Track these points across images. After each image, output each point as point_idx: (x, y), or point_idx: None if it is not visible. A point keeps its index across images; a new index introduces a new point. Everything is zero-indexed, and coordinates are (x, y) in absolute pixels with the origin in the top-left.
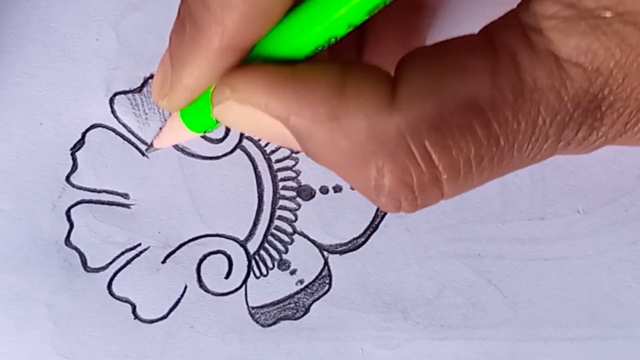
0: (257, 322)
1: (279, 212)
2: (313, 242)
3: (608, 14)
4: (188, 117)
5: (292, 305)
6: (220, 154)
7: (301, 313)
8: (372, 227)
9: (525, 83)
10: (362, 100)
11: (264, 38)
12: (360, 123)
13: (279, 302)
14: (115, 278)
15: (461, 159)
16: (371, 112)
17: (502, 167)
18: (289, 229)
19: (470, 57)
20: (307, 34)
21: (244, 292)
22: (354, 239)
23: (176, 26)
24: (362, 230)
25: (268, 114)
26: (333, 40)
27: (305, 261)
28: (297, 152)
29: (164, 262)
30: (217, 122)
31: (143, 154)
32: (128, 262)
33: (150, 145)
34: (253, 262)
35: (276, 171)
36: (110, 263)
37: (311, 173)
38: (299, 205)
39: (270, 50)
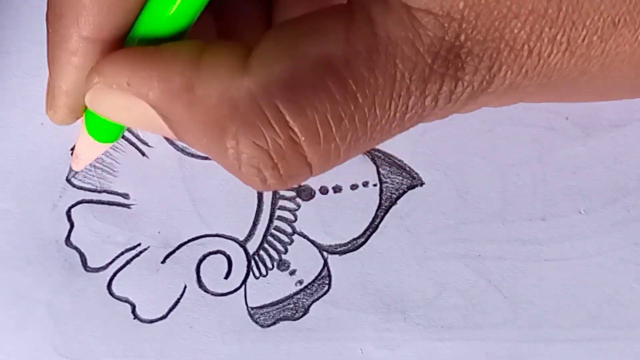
0: (257, 323)
1: (278, 213)
2: (313, 242)
3: None
4: (93, 127)
5: (292, 305)
6: None
7: (300, 313)
8: (372, 228)
9: (379, 37)
10: (215, 68)
11: (135, 26)
12: (213, 90)
13: (278, 302)
14: (115, 278)
15: (317, 118)
16: (223, 78)
17: (368, 129)
18: (289, 229)
19: (325, 19)
20: (166, 11)
21: (243, 292)
22: (354, 239)
23: (46, 24)
24: (361, 231)
25: (132, 94)
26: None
27: (304, 261)
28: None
29: (163, 262)
30: (122, 127)
31: (143, 154)
32: (128, 262)
33: (70, 169)
34: (252, 263)
35: None
36: (110, 263)
37: None
38: (299, 206)
39: (140, 35)
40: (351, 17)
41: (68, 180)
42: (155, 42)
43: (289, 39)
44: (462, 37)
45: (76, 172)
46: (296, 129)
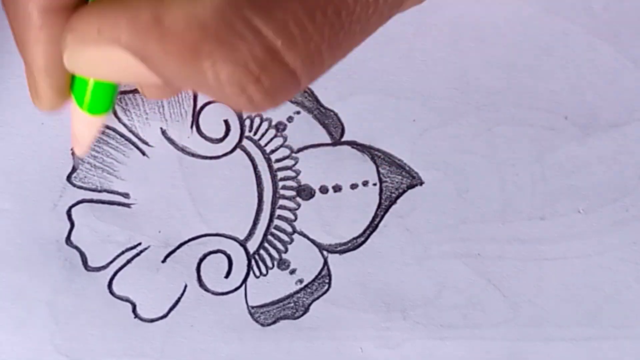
0: (257, 322)
1: (278, 212)
2: (313, 241)
3: None
4: (83, 101)
5: (292, 304)
6: (220, 154)
7: (301, 312)
8: (372, 227)
9: None
10: None
11: None
12: (180, 15)
13: (278, 301)
14: (116, 277)
15: (288, 18)
16: (188, 4)
17: (344, 20)
18: (289, 229)
19: None
20: None
21: (243, 291)
22: (354, 238)
23: (3, 8)
24: (361, 230)
25: (105, 42)
26: None
27: (304, 261)
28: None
29: (164, 261)
30: (111, 92)
31: (143, 154)
32: (128, 262)
33: (73, 155)
34: (253, 262)
35: (276, 171)
36: (111, 262)
37: (311, 173)
38: (299, 205)
39: None
40: None
41: (68, 180)
42: None
43: None
44: None
45: (80, 162)
46: (270, 35)
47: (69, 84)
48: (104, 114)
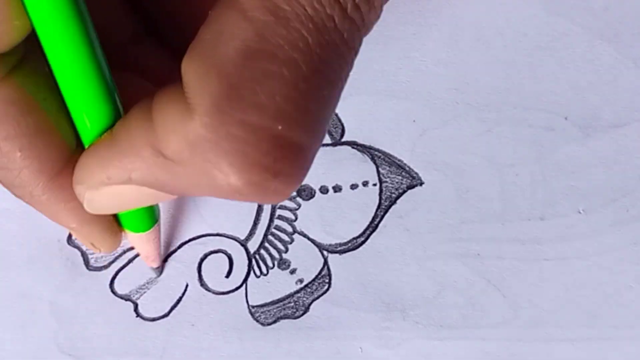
0: (257, 321)
1: (279, 212)
2: (313, 241)
3: None
4: (133, 225)
5: (292, 304)
6: None
7: (301, 312)
8: (372, 227)
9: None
10: (167, 124)
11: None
12: (177, 145)
13: (278, 301)
14: (117, 277)
15: (277, 100)
16: (180, 129)
17: (324, 68)
18: (289, 229)
19: (219, 18)
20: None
21: (244, 291)
22: (354, 238)
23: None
24: (361, 230)
25: (116, 184)
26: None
27: (305, 260)
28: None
29: (165, 260)
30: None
31: None
32: (130, 261)
33: (156, 269)
34: (253, 261)
35: None
36: (112, 262)
37: (311, 173)
38: (299, 205)
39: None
40: (235, 0)
41: None
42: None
43: (203, 58)
44: None
45: (162, 267)
46: (267, 124)
47: (113, 219)
48: (156, 225)
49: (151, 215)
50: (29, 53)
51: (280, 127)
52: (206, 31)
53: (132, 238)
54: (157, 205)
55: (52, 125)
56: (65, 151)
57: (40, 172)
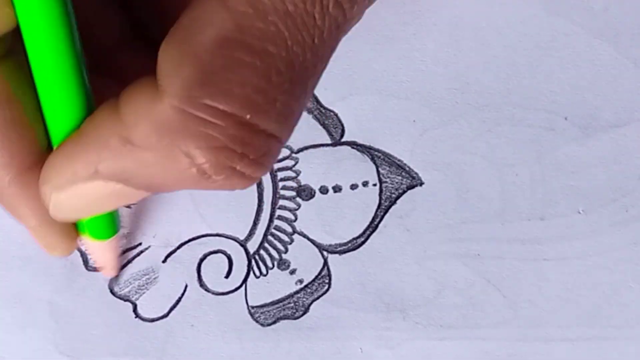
0: (257, 322)
1: (278, 212)
2: (313, 242)
3: None
4: (94, 231)
5: (292, 304)
6: None
7: (301, 312)
8: (372, 227)
9: None
10: (135, 109)
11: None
12: (146, 129)
13: (278, 301)
14: (118, 277)
15: (248, 90)
16: (148, 113)
17: (296, 67)
18: (289, 229)
19: (198, 6)
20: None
21: (243, 291)
22: (354, 238)
23: None
24: (361, 230)
25: (83, 180)
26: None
27: (304, 261)
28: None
29: (164, 261)
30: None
31: None
32: (129, 262)
33: (111, 280)
34: (253, 262)
35: (276, 171)
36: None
37: (311, 173)
38: (299, 205)
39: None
40: None
41: None
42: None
43: (179, 42)
44: None
45: (118, 277)
46: (237, 111)
47: (72, 223)
48: (115, 234)
49: (112, 223)
50: (16, 47)
51: (248, 116)
52: (185, 17)
53: (91, 245)
54: (118, 215)
55: (27, 121)
56: (37, 149)
57: (10, 165)
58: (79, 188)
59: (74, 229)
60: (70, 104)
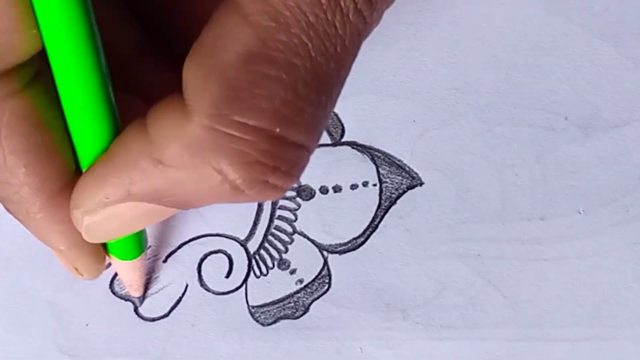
0: (257, 321)
1: (279, 212)
2: (313, 241)
3: None
4: (120, 252)
5: (292, 304)
6: None
7: (301, 312)
8: (372, 227)
9: (273, 2)
10: (165, 130)
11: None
12: (176, 150)
13: (278, 301)
14: (117, 277)
15: (276, 104)
16: (177, 134)
17: (321, 76)
18: (289, 229)
19: (219, 20)
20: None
21: (244, 291)
22: (354, 238)
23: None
24: (361, 230)
25: (114, 203)
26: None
27: (305, 261)
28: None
29: (165, 261)
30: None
31: None
32: None
33: (138, 298)
34: (253, 262)
35: None
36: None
37: (311, 173)
38: (299, 205)
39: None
40: (237, 4)
41: None
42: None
43: (204, 60)
44: None
45: (144, 297)
46: (265, 126)
47: (101, 245)
48: (143, 254)
49: (139, 243)
50: (43, 70)
51: (278, 130)
52: (208, 34)
53: (118, 265)
54: (145, 234)
55: (56, 145)
56: (66, 173)
57: (41, 190)
58: (111, 210)
59: (102, 250)
60: (99, 125)
